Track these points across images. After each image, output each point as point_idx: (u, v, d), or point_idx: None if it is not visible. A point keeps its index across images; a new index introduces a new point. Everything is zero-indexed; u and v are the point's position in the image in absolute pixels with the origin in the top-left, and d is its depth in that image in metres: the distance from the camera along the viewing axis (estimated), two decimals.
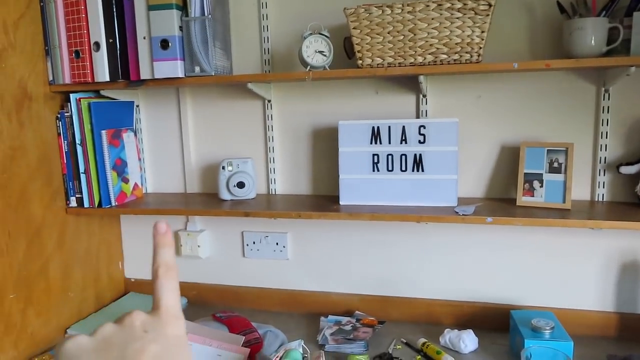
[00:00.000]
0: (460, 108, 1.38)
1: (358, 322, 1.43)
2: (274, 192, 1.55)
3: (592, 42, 1.16)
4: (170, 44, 1.32)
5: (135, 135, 1.59)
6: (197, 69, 1.35)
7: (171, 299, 0.39)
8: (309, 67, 1.32)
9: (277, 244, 1.57)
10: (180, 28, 1.33)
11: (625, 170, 1.24)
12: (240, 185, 1.47)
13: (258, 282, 1.61)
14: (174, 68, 1.33)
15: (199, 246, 1.62)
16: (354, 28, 1.26)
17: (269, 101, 1.50)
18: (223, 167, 1.48)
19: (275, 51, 1.48)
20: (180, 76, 1.33)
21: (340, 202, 1.38)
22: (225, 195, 1.48)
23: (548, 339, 1.15)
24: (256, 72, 1.50)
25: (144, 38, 1.35)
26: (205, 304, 1.64)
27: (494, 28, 1.30)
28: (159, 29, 1.33)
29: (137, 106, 1.62)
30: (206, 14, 1.32)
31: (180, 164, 1.62)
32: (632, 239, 1.31)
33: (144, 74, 1.37)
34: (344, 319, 1.45)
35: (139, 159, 1.60)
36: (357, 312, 1.50)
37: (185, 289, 1.66)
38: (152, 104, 1.62)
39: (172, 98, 1.59)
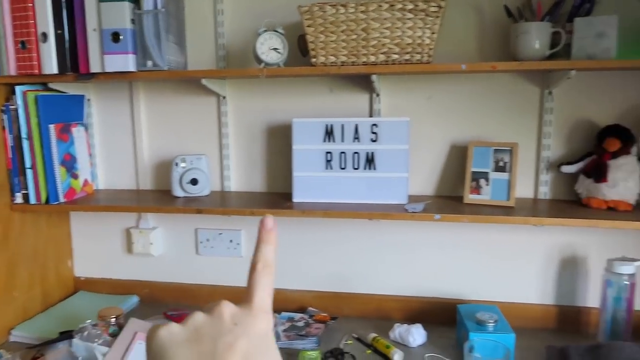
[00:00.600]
0: (412, 108, 1.41)
1: (311, 319, 1.44)
2: (228, 189, 1.54)
3: (536, 45, 1.21)
4: (121, 37, 1.30)
5: (86, 130, 1.55)
6: (149, 63, 1.32)
7: (264, 295, 0.39)
8: (263, 64, 1.32)
9: (231, 241, 1.56)
10: (133, 21, 1.31)
11: (566, 169, 1.30)
12: (194, 182, 1.45)
13: (212, 280, 1.60)
14: (125, 62, 1.31)
15: (151, 244, 1.59)
16: (308, 26, 1.27)
17: (224, 97, 1.50)
18: (176, 164, 1.46)
19: (231, 47, 1.47)
20: (132, 70, 1.31)
21: (294, 200, 1.38)
22: (178, 192, 1.46)
23: (491, 331, 1.19)
24: (211, 68, 1.49)
25: (94, 30, 1.32)
26: (157, 302, 1.62)
27: (446, 30, 1.34)
28: (110, 22, 1.30)
29: (89, 100, 1.58)
30: (159, 7, 1.30)
31: (133, 160, 1.59)
32: (572, 235, 1.37)
33: (94, 67, 1.33)
34: (297, 316, 1.46)
35: (90, 155, 1.56)
36: (310, 308, 1.51)
37: (137, 287, 1.63)
38: (105, 98, 1.58)
39: (125, 92, 1.56)
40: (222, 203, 1.39)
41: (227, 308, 0.37)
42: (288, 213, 1.30)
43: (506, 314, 1.31)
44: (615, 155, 1.22)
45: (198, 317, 0.36)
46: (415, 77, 1.39)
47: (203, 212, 1.34)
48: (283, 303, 1.54)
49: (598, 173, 1.22)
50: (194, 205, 1.36)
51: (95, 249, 1.66)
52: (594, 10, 1.23)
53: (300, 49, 1.37)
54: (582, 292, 1.39)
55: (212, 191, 1.54)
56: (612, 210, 1.22)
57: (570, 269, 1.39)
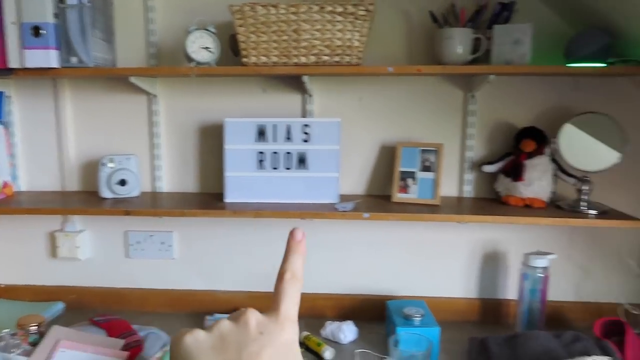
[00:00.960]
0: (344, 109, 1.43)
1: None
2: (159, 190, 1.51)
3: (459, 50, 1.26)
4: (42, 32, 1.24)
5: (6, 128, 1.47)
6: (74, 59, 1.28)
7: (290, 305, 0.38)
8: (194, 62, 1.30)
9: (162, 243, 1.53)
10: (56, 15, 1.26)
11: (487, 169, 1.37)
12: (122, 182, 1.41)
13: (143, 283, 1.56)
14: (47, 57, 1.25)
15: (77, 247, 1.53)
16: (239, 26, 1.26)
17: (155, 96, 1.46)
18: (104, 164, 1.41)
19: (163, 45, 1.45)
20: (55, 66, 1.26)
21: (226, 200, 1.37)
22: (106, 193, 1.42)
23: (418, 325, 1.23)
24: (141, 66, 1.45)
25: (13, 23, 1.26)
26: (85, 308, 1.56)
27: (376, 34, 1.37)
28: (31, 15, 1.25)
29: (9, 97, 1.50)
30: (84, 1, 1.26)
31: (58, 160, 1.53)
32: (492, 231, 1.44)
33: (13, 63, 1.27)
34: None
35: (10, 155, 1.48)
36: (243, 309, 1.50)
37: (63, 293, 1.57)
38: (27, 94, 1.51)
39: (49, 89, 1.50)
40: (152, 204, 1.36)
41: (253, 316, 0.37)
42: (219, 213, 1.29)
43: (433, 308, 1.36)
44: (530, 155, 1.30)
45: (224, 325, 0.36)
46: (347, 78, 1.42)
47: (132, 213, 1.30)
48: (216, 304, 1.52)
49: (515, 172, 1.29)
50: (123, 207, 1.32)
51: (17, 254, 1.58)
52: (512, 18, 1.30)
53: (232, 48, 1.37)
54: (503, 286, 1.46)
55: (143, 192, 1.50)
56: (528, 208, 1.29)
57: (491, 263, 1.46)
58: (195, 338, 0.36)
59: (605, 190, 1.37)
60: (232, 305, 1.52)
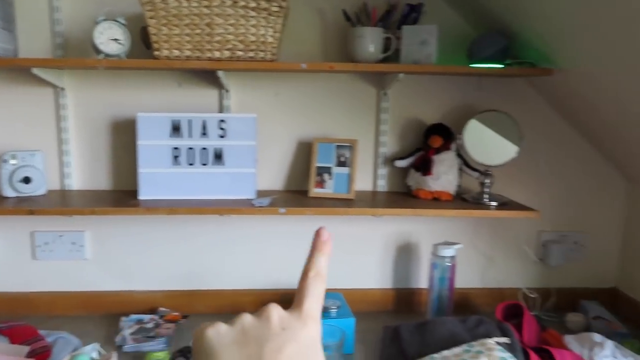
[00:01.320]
0: (261, 104, 1.44)
1: (161, 319, 1.40)
2: (69, 188, 1.44)
3: (370, 49, 1.30)
4: None
5: None
6: None
7: (314, 302, 0.38)
8: (102, 54, 1.25)
9: (73, 243, 1.46)
10: None
11: (399, 164, 1.42)
12: (26, 180, 1.34)
13: (52, 286, 1.48)
14: None
15: None
16: (150, 17, 1.23)
17: (63, 89, 1.39)
18: (5, 160, 1.33)
19: (70, 35, 1.38)
20: None
21: (140, 197, 1.34)
22: (8, 191, 1.33)
23: (334, 317, 1.26)
24: (46, 57, 1.38)
25: None
26: None
27: (292, 30, 1.38)
28: None
29: None
30: None
31: None
32: (405, 224, 1.51)
33: None
34: (147, 317, 1.41)
35: None
36: (161, 308, 1.47)
37: None
38: None
39: None
40: (60, 202, 1.30)
41: (276, 312, 0.37)
42: (132, 211, 1.26)
43: (350, 300, 1.39)
44: (438, 151, 1.37)
45: (246, 319, 0.36)
46: (263, 74, 1.42)
47: (36, 213, 1.23)
48: (132, 305, 1.48)
49: (424, 167, 1.36)
50: (26, 206, 1.25)
51: None
52: (421, 19, 1.36)
53: (143, 41, 1.33)
54: (415, 275, 1.53)
55: (50, 190, 1.42)
56: (437, 200, 1.36)
57: (404, 254, 1.53)
58: (217, 331, 0.36)
59: (506, 184, 1.47)
60: (148, 306, 1.48)
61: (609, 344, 1.18)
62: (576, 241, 1.54)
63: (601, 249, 1.56)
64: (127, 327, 1.36)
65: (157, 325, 1.37)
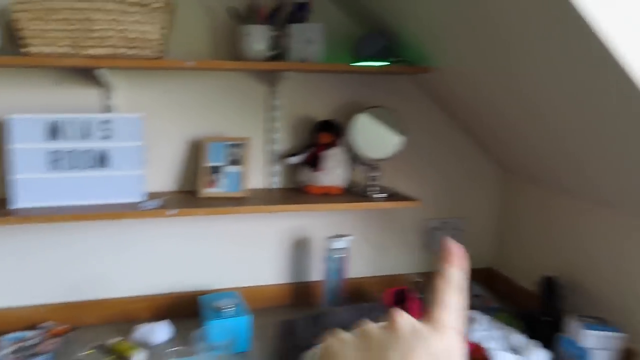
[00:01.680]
0: (151, 103, 1.39)
1: (45, 334, 1.31)
2: None
3: (258, 47, 1.31)
4: None
5: None
6: None
7: (447, 313, 0.37)
8: None
9: None
10: None
11: (291, 160, 1.45)
12: None
13: None
14: None
15: None
16: (18, 11, 1.14)
17: None
18: None
19: None
20: None
21: (15, 206, 1.24)
22: None
23: (229, 316, 1.26)
24: None
25: None
26: None
27: (182, 28, 1.35)
28: None
29: None
30: None
31: None
32: (298, 219, 1.54)
33: None
34: (29, 334, 1.31)
35: None
36: (45, 323, 1.37)
37: None
38: None
39: None
40: None
41: (403, 318, 0.36)
42: (4, 221, 1.16)
43: (247, 297, 1.40)
44: (327, 146, 1.41)
45: (368, 325, 0.37)
46: (151, 72, 1.38)
47: None
48: (11, 323, 1.36)
49: (314, 163, 1.40)
50: None
51: None
52: (309, 18, 1.39)
53: (13, 36, 1.23)
54: (310, 269, 1.57)
55: None
56: (327, 195, 1.41)
57: (299, 249, 1.56)
58: (339, 339, 0.37)
59: (392, 176, 1.56)
60: (31, 322, 1.37)
61: (485, 319, 1.30)
62: (456, 227, 1.67)
63: (478, 233, 1.71)
64: (7, 347, 1.26)
65: (40, 342, 1.28)
